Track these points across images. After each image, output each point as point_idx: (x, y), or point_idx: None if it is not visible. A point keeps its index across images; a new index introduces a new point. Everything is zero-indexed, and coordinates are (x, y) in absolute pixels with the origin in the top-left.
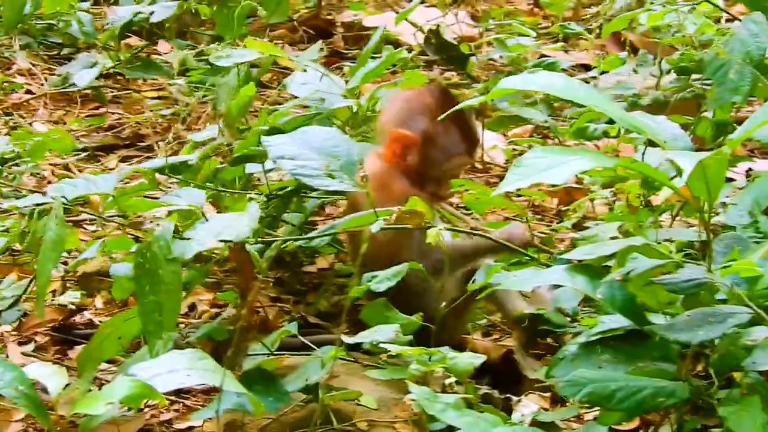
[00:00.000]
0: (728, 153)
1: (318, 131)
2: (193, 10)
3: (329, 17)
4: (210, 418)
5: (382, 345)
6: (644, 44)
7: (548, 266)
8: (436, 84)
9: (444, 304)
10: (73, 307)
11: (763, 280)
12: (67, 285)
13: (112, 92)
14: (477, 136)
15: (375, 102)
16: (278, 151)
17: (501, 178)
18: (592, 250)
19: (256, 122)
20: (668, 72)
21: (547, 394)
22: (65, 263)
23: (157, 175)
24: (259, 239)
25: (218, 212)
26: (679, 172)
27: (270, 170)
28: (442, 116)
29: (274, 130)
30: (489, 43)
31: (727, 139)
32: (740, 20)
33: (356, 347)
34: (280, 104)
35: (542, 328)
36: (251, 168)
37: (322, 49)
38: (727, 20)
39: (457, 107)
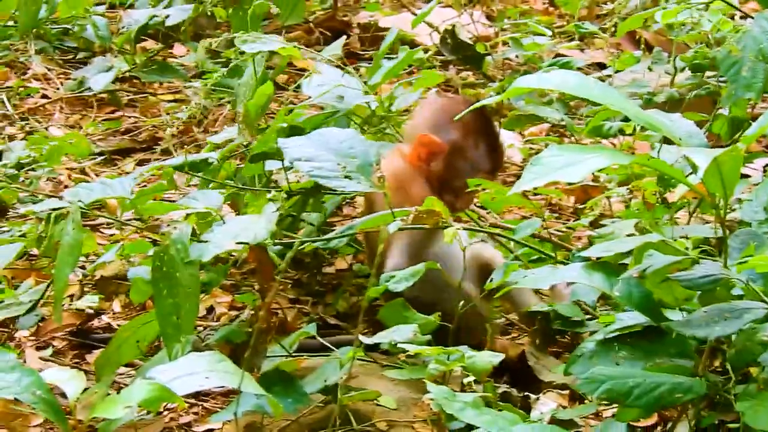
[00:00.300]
0: (743, 149)
1: (334, 132)
2: (209, 13)
3: (345, 18)
4: (229, 421)
5: (400, 345)
6: (659, 42)
7: (565, 264)
8: (473, 97)
9: (462, 304)
10: (91, 311)
11: None
12: (85, 289)
13: (128, 96)
14: (502, 159)
15: (393, 101)
16: (295, 153)
17: (518, 177)
18: (609, 247)
19: (275, 121)
20: (683, 70)
21: (566, 392)
22: (83, 267)
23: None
24: (277, 241)
25: (237, 214)
26: (695, 169)
27: (290, 168)
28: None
29: (292, 128)
30: (504, 43)
31: (742, 135)
32: (753, 18)
33: (375, 348)
34: (296, 105)
35: (558, 327)
36: (270, 166)
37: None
38: (741, 17)
39: (486, 122)
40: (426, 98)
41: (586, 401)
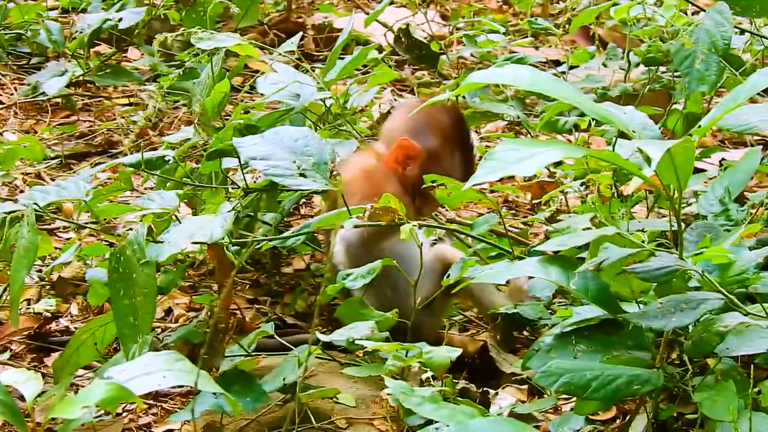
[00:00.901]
0: (696, 140)
1: (289, 131)
2: (162, 16)
3: (299, 20)
4: (188, 421)
5: (358, 342)
6: (613, 39)
7: (522, 259)
8: (454, 106)
9: (419, 301)
10: (49, 314)
11: (735, 267)
12: (42, 292)
13: (83, 100)
14: (474, 170)
15: (347, 98)
16: (250, 152)
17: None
18: (565, 241)
19: (231, 119)
20: (637, 65)
21: (524, 387)
22: (39, 270)
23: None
24: (234, 240)
25: (195, 213)
26: (648, 161)
27: (246, 166)
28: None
29: (248, 127)
30: (459, 41)
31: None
32: (706, 11)
33: (333, 346)
34: (252, 106)
35: (518, 322)
36: (227, 163)
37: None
38: (693, 12)
39: (464, 132)
40: (406, 101)
41: (544, 395)
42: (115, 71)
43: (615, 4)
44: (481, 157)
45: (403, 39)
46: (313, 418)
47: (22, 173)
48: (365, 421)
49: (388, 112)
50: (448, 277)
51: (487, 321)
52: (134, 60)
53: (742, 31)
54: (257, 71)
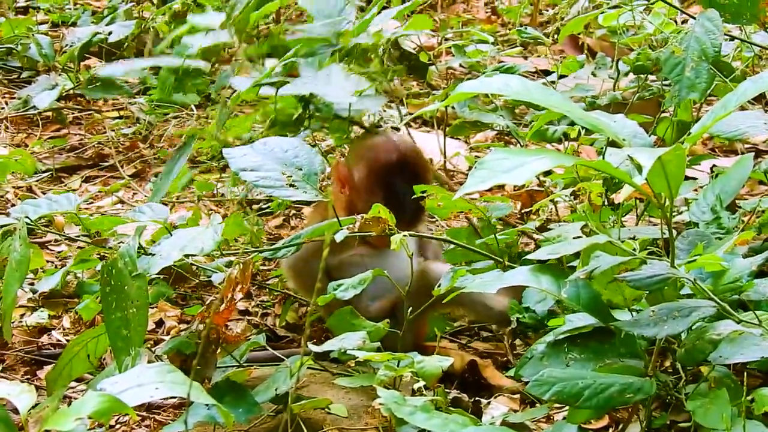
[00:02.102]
0: (687, 148)
1: (279, 141)
2: (152, 29)
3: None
4: None
5: (349, 352)
6: (602, 48)
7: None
8: (410, 149)
9: (410, 310)
10: (41, 327)
11: (728, 274)
12: (35, 306)
13: (73, 114)
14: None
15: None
16: (240, 163)
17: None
18: (556, 249)
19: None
20: (626, 74)
21: (517, 396)
22: (31, 284)
23: (121, 192)
24: (225, 251)
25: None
26: (639, 169)
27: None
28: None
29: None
30: (448, 52)
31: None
32: (695, 19)
33: (325, 356)
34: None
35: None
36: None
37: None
38: (683, 21)
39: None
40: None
41: (537, 405)
42: (105, 85)
43: (603, 12)
44: (470, 168)
45: (392, 50)
46: (305, 429)
47: (13, 187)
48: (358, 431)
49: (377, 125)
50: (438, 287)
51: (499, 326)
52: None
53: (732, 38)
54: None
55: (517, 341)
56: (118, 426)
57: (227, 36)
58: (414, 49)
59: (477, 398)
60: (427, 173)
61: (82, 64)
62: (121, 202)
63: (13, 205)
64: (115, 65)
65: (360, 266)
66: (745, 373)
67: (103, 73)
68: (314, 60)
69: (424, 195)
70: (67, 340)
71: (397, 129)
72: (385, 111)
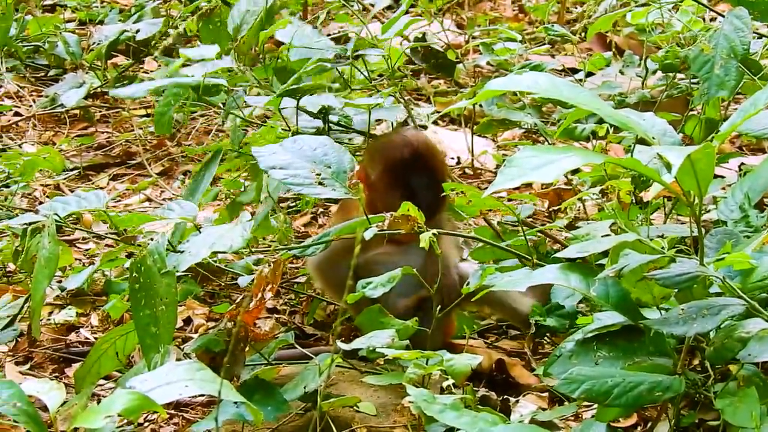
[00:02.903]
0: (716, 147)
1: (308, 140)
2: (179, 27)
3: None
4: (209, 430)
5: (378, 350)
6: (630, 46)
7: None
8: (424, 144)
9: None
10: (70, 325)
11: (757, 273)
12: (63, 304)
13: (101, 112)
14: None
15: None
16: (269, 161)
17: (492, 183)
18: (585, 247)
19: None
20: (654, 72)
21: (545, 394)
22: (60, 281)
23: (149, 190)
24: (254, 249)
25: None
26: (668, 168)
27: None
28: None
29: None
30: (475, 50)
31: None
32: (724, 16)
33: (353, 354)
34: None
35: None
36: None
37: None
38: (712, 19)
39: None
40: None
41: (565, 403)
42: (133, 82)
43: (631, 10)
44: (497, 166)
45: (419, 48)
46: (334, 427)
47: (42, 184)
48: (386, 429)
49: (405, 122)
50: (467, 285)
51: (516, 326)
52: (151, 71)
53: (761, 36)
54: None
55: (544, 339)
56: (146, 424)
57: (229, 63)
58: (441, 47)
59: (505, 396)
60: (442, 166)
61: (109, 62)
62: (149, 200)
63: (41, 202)
64: (134, 86)
65: (385, 264)
66: None
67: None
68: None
69: (442, 189)
70: (96, 338)
71: (425, 127)
72: (412, 109)
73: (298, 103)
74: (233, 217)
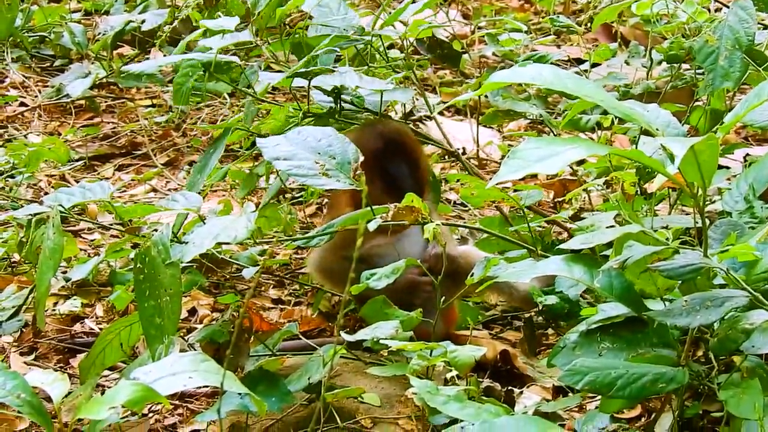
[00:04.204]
0: (720, 137)
1: (312, 131)
2: (185, 17)
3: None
4: (213, 421)
5: (382, 342)
6: (635, 36)
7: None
8: (396, 132)
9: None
10: (74, 315)
11: (761, 264)
12: (68, 294)
13: (106, 102)
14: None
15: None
16: (273, 152)
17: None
18: (589, 239)
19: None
20: (659, 63)
21: (549, 386)
22: (64, 272)
23: (154, 181)
24: (259, 240)
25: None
26: (672, 158)
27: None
28: None
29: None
30: (481, 41)
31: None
32: (729, 7)
33: (357, 345)
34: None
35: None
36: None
37: None
38: (717, 10)
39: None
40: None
41: (569, 394)
42: (138, 73)
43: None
44: (502, 157)
45: (425, 39)
46: (338, 418)
47: (47, 175)
48: (390, 421)
49: (410, 113)
50: (471, 276)
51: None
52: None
53: (766, 27)
54: None
55: (548, 331)
56: (150, 414)
57: (246, 36)
58: (447, 37)
59: (509, 388)
60: (418, 153)
61: (115, 52)
62: (154, 190)
63: (46, 193)
64: (146, 61)
65: (381, 256)
66: None
67: (135, 69)
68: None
69: (421, 175)
70: (100, 329)
71: (430, 118)
72: (417, 99)
73: (309, 84)
74: (249, 189)
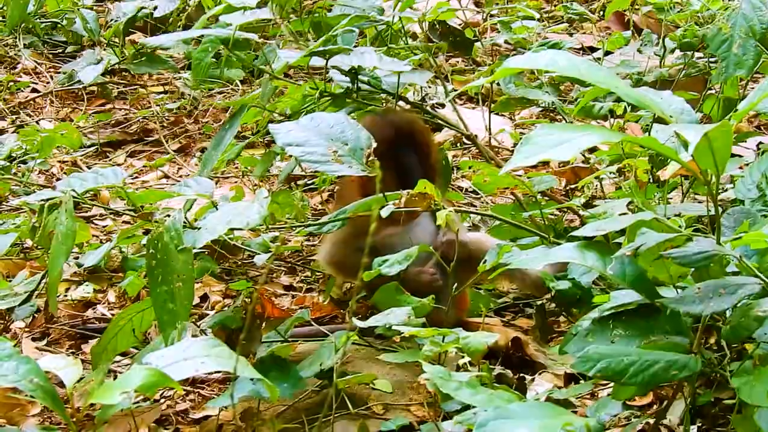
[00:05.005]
0: (734, 125)
1: (325, 117)
2: (197, 3)
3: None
4: (226, 407)
5: (395, 328)
6: (648, 25)
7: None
8: (405, 121)
9: (456, 285)
10: (86, 301)
11: None
12: (80, 280)
13: (118, 88)
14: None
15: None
16: (285, 138)
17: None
18: (602, 226)
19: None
20: (672, 51)
21: (561, 373)
22: (77, 258)
23: (166, 167)
24: (271, 226)
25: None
26: (685, 146)
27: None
28: None
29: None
30: (493, 28)
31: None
32: None
33: (369, 332)
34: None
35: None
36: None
37: None
38: None
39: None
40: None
41: (581, 381)
42: (150, 59)
43: None
44: (515, 145)
45: (437, 26)
46: (350, 404)
47: (59, 161)
48: (402, 407)
49: (423, 99)
50: (484, 263)
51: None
52: (169, 48)
53: None
54: None
55: (560, 318)
56: (162, 400)
57: (266, 14)
58: (459, 25)
59: (521, 374)
60: (428, 141)
61: (127, 38)
62: (166, 176)
63: (58, 179)
64: (163, 36)
65: (392, 246)
66: None
67: (151, 43)
68: (352, 36)
69: (430, 163)
70: (112, 315)
71: (442, 105)
72: (430, 87)
73: (326, 64)
74: (266, 167)
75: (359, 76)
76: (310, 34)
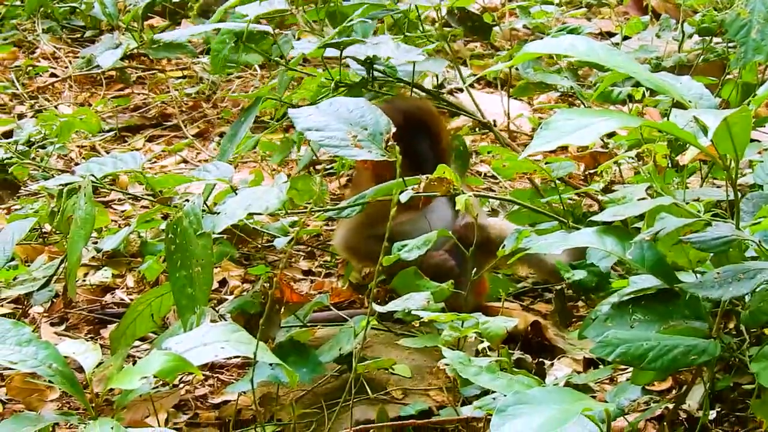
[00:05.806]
0: (753, 110)
1: (345, 101)
2: None
3: None
4: (245, 392)
5: (414, 313)
6: (666, 9)
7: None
8: (417, 108)
9: (474, 271)
10: (105, 286)
11: None
12: (99, 265)
13: (137, 73)
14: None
15: None
16: (305, 123)
17: (527, 146)
18: (621, 211)
19: None
20: (691, 36)
21: (580, 358)
22: (95, 243)
23: (184, 152)
24: (291, 210)
25: None
26: (705, 131)
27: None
28: None
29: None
30: (512, 13)
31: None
32: None
33: (388, 317)
34: None
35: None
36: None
37: None
38: None
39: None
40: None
41: (600, 366)
42: (169, 44)
43: None
44: (533, 129)
45: (455, 11)
46: (368, 389)
47: (78, 146)
48: (421, 392)
49: (441, 85)
50: (503, 248)
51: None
52: None
53: None
54: None
55: (578, 304)
56: (181, 385)
57: (282, 4)
58: (477, 10)
59: (540, 359)
60: (439, 127)
61: (145, 23)
62: (185, 161)
63: (77, 163)
64: (178, 30)
65: (408, 233)
66: None
67: (167, 37)
68: (370, 26)
69: (443, 149)
70: (131, 299)
71: (461, 90)
72: (448, 72)
73: (341, 54)
74: (284, 155)
75: (375, 66)
76: (326, 23)
